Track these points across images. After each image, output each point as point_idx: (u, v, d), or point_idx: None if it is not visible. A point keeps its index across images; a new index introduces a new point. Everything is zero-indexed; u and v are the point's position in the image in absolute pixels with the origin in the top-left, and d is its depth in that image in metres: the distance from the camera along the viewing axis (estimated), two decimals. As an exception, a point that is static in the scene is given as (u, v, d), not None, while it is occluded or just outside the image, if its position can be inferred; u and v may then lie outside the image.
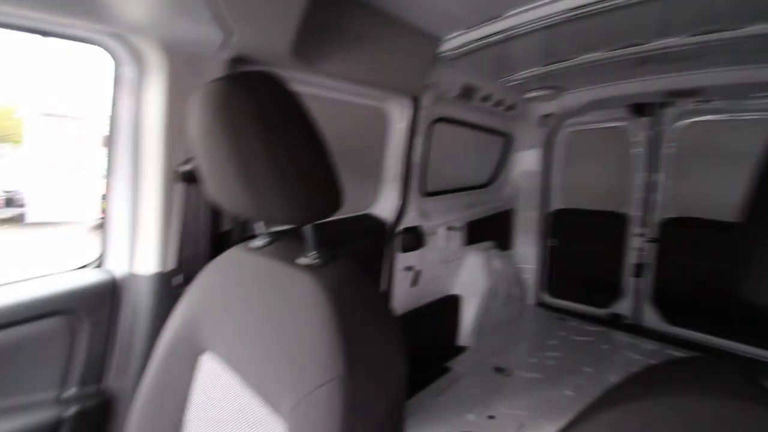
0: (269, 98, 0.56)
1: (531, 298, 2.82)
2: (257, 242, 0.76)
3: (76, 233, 4.97)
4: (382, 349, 0.56)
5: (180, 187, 0.97)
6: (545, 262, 2.81)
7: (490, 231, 2.52)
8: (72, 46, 0.89)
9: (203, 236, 1.02)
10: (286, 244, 0.74)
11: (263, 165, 0.55)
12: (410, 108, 1.60)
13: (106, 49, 0.89)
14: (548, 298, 2.83)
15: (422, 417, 1.62)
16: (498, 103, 2.03)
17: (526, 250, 2.80)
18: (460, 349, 2.18)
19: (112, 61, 0.92)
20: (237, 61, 0.99)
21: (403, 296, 1.85)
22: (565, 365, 2.05)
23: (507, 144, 2.59)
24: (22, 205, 5.43)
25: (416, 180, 1.82)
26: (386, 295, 1.74)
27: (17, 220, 5.47)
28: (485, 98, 1.92)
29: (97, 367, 0.92)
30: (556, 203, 2.79)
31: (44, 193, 5.64)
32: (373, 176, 1.70)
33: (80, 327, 0.90)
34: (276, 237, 0.78)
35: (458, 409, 1.68)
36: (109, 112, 0.96)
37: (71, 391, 0.88)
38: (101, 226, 1.02)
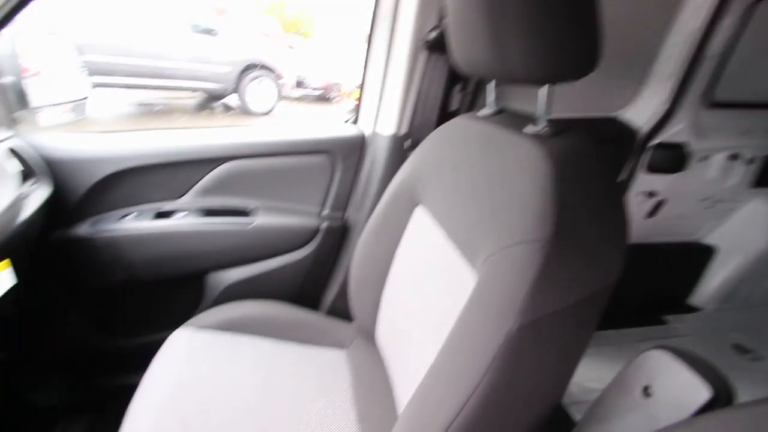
0: None
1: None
2: (485, 111, 0.75)
3: (347, 103, 6.64)
4: (600, 234, 0.50)
5: (423, 57, 1.02)
6: None
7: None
8: None
9: (433, 109, 1.08)
10: (514, 115, 0.70)
11: (514, 14, 0.50)
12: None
13: None
14: None
15: (608, 351, 1.45)
16: None
17: None
18: (690, 309, 1.76)
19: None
20: None
21: (630, 225, 1.55)
22: None
23: None
24: (309, 87, 7.07)
25: (702, 81, 1.33)
26: (623, 187, 1.49)
27: (306, 98, 7.24)
28: None
29: (343, 200, 1.20)
30: None
31: (325, 74, 7.15)
32: (634, 68, 1.33)
33: (336, 167, 1.17)
34: (504, 109, 0.75)
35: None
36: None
37: (326, 211, 1.20)
38: (360, 93, 1.22)
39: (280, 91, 5.88)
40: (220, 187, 1.08)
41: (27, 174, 0.86)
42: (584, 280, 0.48)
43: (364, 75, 1.16)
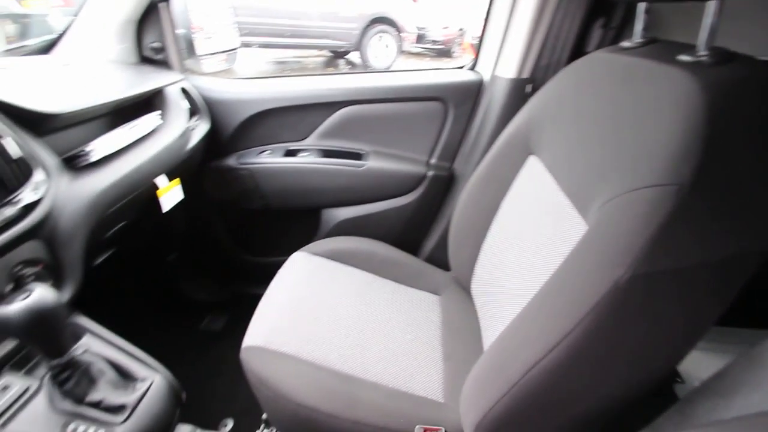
0: None
1: None
2: (630, 43, 0.63)
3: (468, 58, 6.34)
4: (760, 188, 0.40)
5: None
6: None
7: None
8: None
9: (564, 48, 0.96)
10: (667, 45, 0.58)
11: None
12: None
13: None
14: None
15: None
16: None
17: None
18: None
19: None
20: None
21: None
22: None
23: None
24: (430, 41, 6.84)
25: None
26: None
27: (426, 53, 7.05)
28: None
29: (452, 150, 1.18)
30: None
31: (448, 27, 6.82)
32: None
33: (448, 114, 1.14)
34: (656, 39, 0.62)
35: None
36: None
37: (433, 160, 1.19)
38: (482, 32, 1.13)
39: (399, 47, 5.84)
40: (338, 130, 1.16)
41: (193, 111, 1.05)
42: (725, 238, 0.40)
43: (487, 13, 1.08)
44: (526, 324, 0.49)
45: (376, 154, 1.18)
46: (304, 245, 0.99)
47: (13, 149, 0.57)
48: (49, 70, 0.84)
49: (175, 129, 0.92)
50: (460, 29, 6.92)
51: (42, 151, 0.63)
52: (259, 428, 0.87)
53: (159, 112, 0.91)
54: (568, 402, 0.47)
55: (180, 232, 1.23)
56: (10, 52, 1.02)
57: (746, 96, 0.42)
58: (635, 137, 0.47)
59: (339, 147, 1.18)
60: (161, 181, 0.87)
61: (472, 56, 1.16)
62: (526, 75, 1.01)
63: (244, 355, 0.70)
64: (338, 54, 6.04)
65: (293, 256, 0.96)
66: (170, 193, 0.91)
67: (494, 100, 1.06)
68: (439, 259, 1.04)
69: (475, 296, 0.88)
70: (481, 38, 1.12)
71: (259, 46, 5.13)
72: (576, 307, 0.42)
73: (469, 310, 0.88)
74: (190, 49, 1.14)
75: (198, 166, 1.09)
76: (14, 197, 0.56)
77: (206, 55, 1.15)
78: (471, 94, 1.12)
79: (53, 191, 0.61)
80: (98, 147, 0.73)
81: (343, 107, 1.14)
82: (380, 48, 5.72)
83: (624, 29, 0.93)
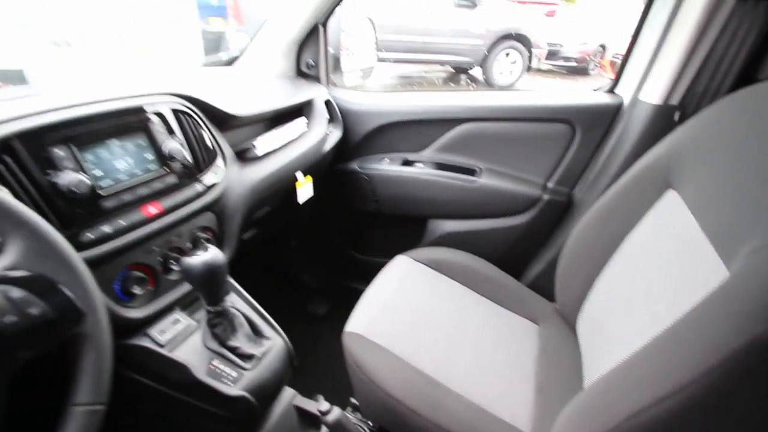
0: None
1: None
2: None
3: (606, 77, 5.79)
4: None
5: (729, 6, 0.79)
6: None
7: None
8: None
9: (725, 76, 0.84)
10: None
11: None
12: None
13: None
14: None
15: None
16: None
17: None
18: None
19: None
20: None
21: None
22: None
23: None
24: (563, 57, 6.42)
25: None
26: None
27: (558, 71, 6.64)
28: None
29: (574, 175, 1.11)
30: None
31: (584, 43, 6.32)
32: None
33: (575, 137, 1.08)
34: None
35: None
36: None
37: (551, 184, 1.14)
38: (626, 52, 1.05)
39: (526, 63, 5.63)
40: (455, 145, 1.20)
41: (330, 119, 1.20)
42: None
43: (637, 29, 1.00)
44: (639, 367, 0.46)
45: (490, 171, 1.18)
46: (407, 251, 1.05)
47: (208, 139, 0.75)
48: (232, 80, 1.06)
49: (317, 134, 1.08)
50: (601, 45, 6.35)
51: (224, 144, 0.81)
52: (345, 410, 0.95)
53: (305, 119, 1.08)
54: None
55: (304, 222, 1.40)
56: (206, 64, 1.32)
57: None
58: None
59: (454, 162, 1.21)
60: (299, 176, 1.02)
61: (611, 75, 1.08)
62: (675, 101, 0.90)
63: (346, 339, 0.78)
64: (460, 69, 6.09)
65: (397, 258, 1.02)
66: (305, 188, 1.06)
67: (632, 126, 0.98)
68: (543, 288, 1.00)
69: (581, 332, 0.82)
70: (625, 57, 1.04)
71: (393, 62, 5.47)
72: (702, 357, 0.38)
73: (571, 345, 0.83)
74: (335, 65, 1.31)
75: (327, 167, 1.24)
76: (202, 176, 0.73)
77: (348, 71, 1.29)
78: (606, 118, 1.04)
79: (227, 176, 0.78)
80: (260, 144, 0.90)
81: (464, 123, 1.17)
82: (506, 64, 5.60)
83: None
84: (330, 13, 1.14)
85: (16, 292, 0.33)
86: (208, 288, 0.62)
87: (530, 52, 5.59)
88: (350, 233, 1.43)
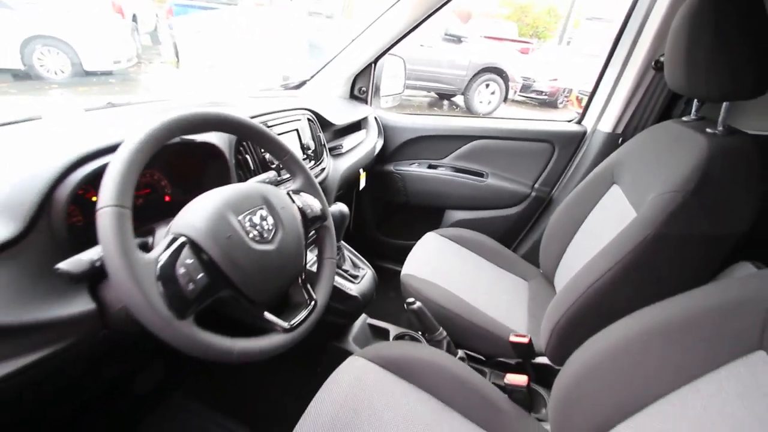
0: None
1: None
2: (687, 117, 0.98)
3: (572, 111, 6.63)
4: (735, 197, 0.74)
5: (650, 75, 1.27)
6: None
7: None
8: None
9: (651, 115, 1.31)
10: (706, 122, 0.90)
11: (711, 45, 0.74)
12: None
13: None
14: None
15: None
16: None
17: None
18: None
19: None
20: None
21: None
22: None
23: None
24: (535, 91, 7.17)
25: None
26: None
27: (530, 102, 7.39)
28: None
29: (553, 179, 1.56)
30: None
31: (555, 79, 7.11)
32: None
33: (554, 154, 1.53)
34: (704, 117, 0.95)
35: None
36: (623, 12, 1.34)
37: (537, 184, 1.58)
38: (589, 97, 1.52)
39: (503, 95, 6.30)
40: (468, 155, 1.62)
41: (378, 132, 1.60)
42: (713, 224, 0.73)
43: (597, 81, 1.46)
44: (588, 265, 0.85)
45: (494, 174, 1.61)
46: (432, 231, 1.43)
47: (322, 139, 1.13)
48: (314, 98, 1.44)
49: (371, 142, 1.47)
50: (569, 89, 7.12)
51: (326, 143, 1.19)
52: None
53: (364, 130, 1.48)
54: (609, 313, 0.68)
55: (359, 206, 1.77)
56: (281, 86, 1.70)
57: (734, 156, 0.76)
58: (671, 171, 0.83)
59: (467, 167, 1.63)
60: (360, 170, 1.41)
61: (578, 109, 1.54)
62: (619, 131, 1.37)
63: (404, 278, 1.15)
64: (443, 96, 6.70)
65: (427, 234, 1.40)
66: (362, 179, 1.45)
67: (592, 148, 1.44)
68: (531, 258, 1.41)
69: (557, 283, 1.23)
70: (589, 99, 1.51)
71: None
72: (624, 247, 0.78)
73: (550, 294, 1.23)
74: (377, 91, 1.72)
75: (371, 167, 1.63)
76: (318, 164, 1.10)
77: (383, 96, 1.71)
78: (575, 140, 1.50)
79: (329, 165, 1.15)
80: (345, 144, 1.28)
81: (475, 140, 1.60)
82: (485, 95, 6.25)
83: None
84: (381, 56, 1.55)
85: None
86: (338, 229, 0.99)
87: (507, 84, 6.28)
88: (381, 220, 1.81)
